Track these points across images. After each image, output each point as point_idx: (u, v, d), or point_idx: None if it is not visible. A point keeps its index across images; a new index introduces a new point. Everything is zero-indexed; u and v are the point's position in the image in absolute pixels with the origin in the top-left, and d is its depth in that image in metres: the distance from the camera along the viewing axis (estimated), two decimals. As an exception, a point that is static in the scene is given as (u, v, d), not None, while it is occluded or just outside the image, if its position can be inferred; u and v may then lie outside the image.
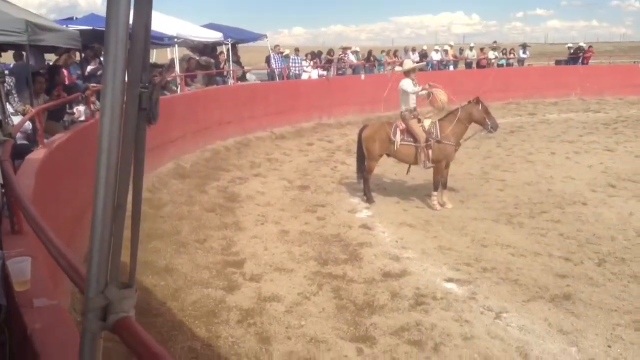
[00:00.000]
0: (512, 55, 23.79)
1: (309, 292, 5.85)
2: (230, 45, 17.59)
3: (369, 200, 9.17)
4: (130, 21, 1.13)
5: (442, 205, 8.85)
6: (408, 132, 8.87)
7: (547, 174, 10.82)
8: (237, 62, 18.45)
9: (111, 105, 1.13)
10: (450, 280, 6.13)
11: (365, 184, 9.31)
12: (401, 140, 8.88)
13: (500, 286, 5.96)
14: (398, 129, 8.91)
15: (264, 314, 5.35)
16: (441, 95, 8.78)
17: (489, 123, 8.86)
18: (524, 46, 24.54)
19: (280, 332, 5.03)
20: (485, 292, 5.81)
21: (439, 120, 8.96)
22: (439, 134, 8.77)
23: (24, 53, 7.79)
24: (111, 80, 1.13)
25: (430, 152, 8.76)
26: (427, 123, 8.86)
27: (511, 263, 6.58)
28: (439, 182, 8.92)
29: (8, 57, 10.17)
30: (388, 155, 9.24)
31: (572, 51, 24.31)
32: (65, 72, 8.90)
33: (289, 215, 8.48)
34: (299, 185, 10.31)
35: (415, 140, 8.80)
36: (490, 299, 5.66)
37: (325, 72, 18.67)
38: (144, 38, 1.14)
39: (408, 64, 9.35)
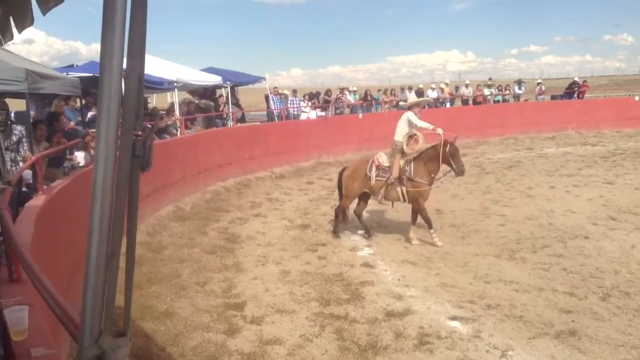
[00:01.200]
0: (507, 91, 24.09)
1: (311, 333, 5.77)
2: (229, 88, 17.85)
3: (335, 233, 9.34)
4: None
5: (411, 239, 8.94)
6: (382, 168, 8.99)
7: (547, 208, 10.80)
8: (237, 104, 18.69)
9: (105, 154, 1.14)
10: (454, 318, 6.05)
11: (336, 219, 9.51)
12: (376, 176, 9.02)
13: (505, 323, 5.88)
14: (374, 165, 9.08)
15: (265, 357, 5.26)
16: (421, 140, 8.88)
17: (454, 167, 8.72)
18: (519, 82, 24.89)
19: (282, 376, 4.94)
20: (490, 330, 5.73)
21: (414, 158, 8.92)
22: (412, 172, 8.82)
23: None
24: (105, 129, 1.14)
25: (403, 188, 8.82)
26: (401, 161, 8.89)
27: (515, 299, 6.50)
28: (429, 219, 8.91)
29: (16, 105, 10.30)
30: (367, 192, 9.34)
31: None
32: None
33: (290, 255, 8.43)
34: (300, 224, 10.30)
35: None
36: (496, 337, 5.58)
37: (323, 113, 18.89)
38: (137, 88, 1.17)
39: (412, 98, 9.51)
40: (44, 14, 1.90)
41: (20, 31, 2.48)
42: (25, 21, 2.32)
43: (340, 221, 9.53)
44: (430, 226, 8.87)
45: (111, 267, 1.17)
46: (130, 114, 1.17)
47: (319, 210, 11.40)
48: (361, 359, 5.21)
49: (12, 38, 2.87)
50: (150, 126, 1.20)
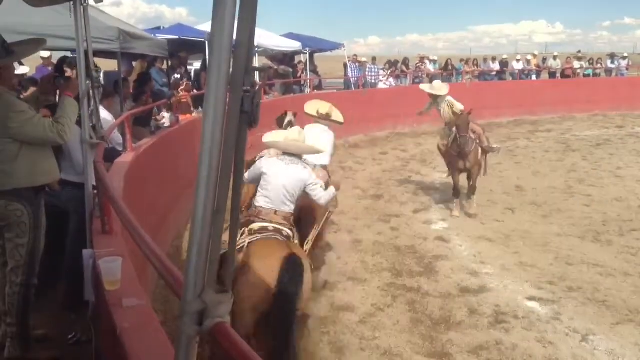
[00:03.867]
0: (599, 65, 22.71)
1: (382, 303, 5.75)
2: (308, 55, 17.82)
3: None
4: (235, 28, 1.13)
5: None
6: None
7: (637, 190, 10.19)
8: (314, 71, 18.65)
9: (214, 108, 1.12)
10: (532, 298, 5.85)
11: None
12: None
13: (586, 307, 5.63)
14: None
15: (337, 323, 5.30)
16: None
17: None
18: (612, 56, 23.38)
19: (354, 343, 4.96)
20: (571, 313, 5.50)
21: None
22: None
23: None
24: (215, 84, 1.12)
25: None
26: None
27: (599, 283, 6.20)
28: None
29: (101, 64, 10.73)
30: None
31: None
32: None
33: (362, 225, 8.40)
34: (373, 194, 10.22)
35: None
36: (576, 321, 5.35)
37: (399, 82, 18.52)
38: (247, 42, 1.14)
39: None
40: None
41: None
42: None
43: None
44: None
45: (216, 223, 1.17)
46: (240, 68, 1.14)
47: (393, 181, 11.26)
48: (434, 332, 5.14)
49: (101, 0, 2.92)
50: (258, 82, 1.17)
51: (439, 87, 9.44)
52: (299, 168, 4.63)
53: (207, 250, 1.16)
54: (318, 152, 5.20)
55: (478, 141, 8.84)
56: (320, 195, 4.66)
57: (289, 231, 4.43)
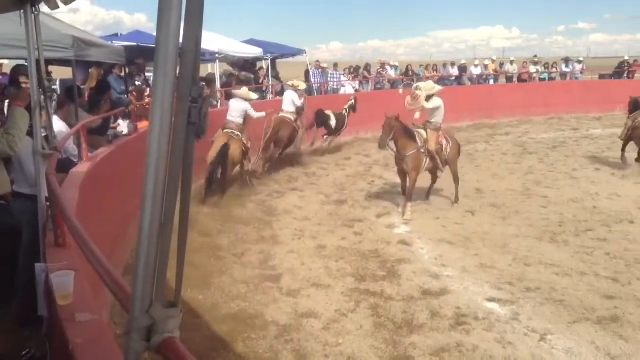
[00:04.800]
0: (554, 69, 23.35)
1: (346, 309, 5.76)
2: (270, 61, 17.78)
3: None
4: (181, 35, 1.11)
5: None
6: None
7: (592, 191, 10.48)
8: (276, 77, 18.63)
9: (160, 119, 1.11)
10: (492, 299, 5.95)
11: None
12: None
13: (544, 307, 5.75)
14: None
15: (301, 330, 5.28)
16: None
17: None
18: (566, 60, 24.08)
19: (317, 349, 4.95)
20: (529, 313, 5.62)
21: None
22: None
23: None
24: (160, 95, 1.11)
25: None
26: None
27: (556, 283, 6.35)
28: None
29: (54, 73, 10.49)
30: None
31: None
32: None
33: (326, 230, 8.42)
34: (336, 199, 10.25)
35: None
36: (534, 320, 5.46)
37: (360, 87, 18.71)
38: (194, 52, 1.12)
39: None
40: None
41: (67, 3, 2.45)
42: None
43: None
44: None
45: (164, 235, 1.15)
46: (187, 78, 1.13)
47: (356, 186, 11.32)
48: (396, 336, 5.17)
49: (57, 7, 2.86)
50: (206, 92, 1.16)
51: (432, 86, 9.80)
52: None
53: (154, 263, 1.14)
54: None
55: (424, 149, 9.12)
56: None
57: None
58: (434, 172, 9.68)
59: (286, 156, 13.49)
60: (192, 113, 1.13)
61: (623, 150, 12.52)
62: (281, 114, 12.13)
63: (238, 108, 10.26)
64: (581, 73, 23.83)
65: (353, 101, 14.80)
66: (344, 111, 14.63)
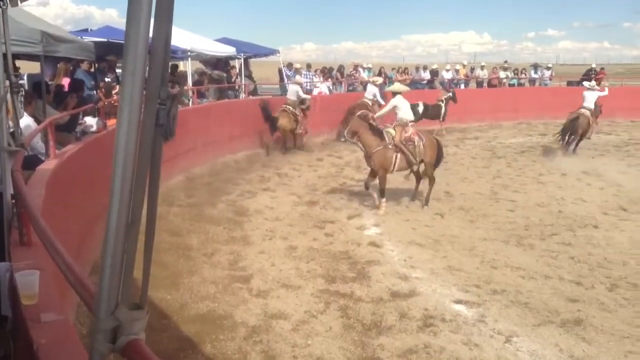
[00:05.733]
0: (523, 75, 23.78)
1: (315, 310, 5.78)
2: (242, 60, 17.70)
3: None
4: (150, 35, 1.11)
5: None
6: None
7: (558, 196, 10.71)
8: (249, 76, 18.56)
9: (128, 120, 1.10)
10: (459, 301, 6.04)
11: None
12: None
13: (510, 309, 5.87)
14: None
15: (270, 331, 5.28)
16: None
17: None
18: (535, 66, 24.54)
19: (286, 350, 4.96)
20: (495, 315, 5.72)
21: None
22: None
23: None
24: (129, 94, 1.10)
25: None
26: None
27: (521, 286, 6.48)
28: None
29: (23, 67, 10.27)
30: None
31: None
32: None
33: (297, 231, 8.42)
34: (308, 200, 10.27)
35: None
36: (500, 322, 5.57)
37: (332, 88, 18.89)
38: (163, 53, 1.12)
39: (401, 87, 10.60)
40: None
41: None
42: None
43: None
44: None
45: (131, 236, 1.15)
46: (156, 79, 1.12)
47: (328, 187, 11.35)
48: (365, 338, 5.21)
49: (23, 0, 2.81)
50: (173, 94, 1.16)
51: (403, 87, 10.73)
52: None
53: (121, 264, 1.14)
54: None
55: (391, 145, 9.44)
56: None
57: None
58: (416, 173, 9.94)
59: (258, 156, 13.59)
60: (161, 114, 1.13)
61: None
62: (363, 99, 15.86)
63: (292, 90, 14.51)
64: (550, 79, 24.32)
65: (451, 94, 18.40)
66: (441, 102, 17.98)
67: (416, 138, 9.62)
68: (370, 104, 15.49)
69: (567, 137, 15.19)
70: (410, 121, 9.85)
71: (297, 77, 15.94)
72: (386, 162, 9.45)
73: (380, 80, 16.72)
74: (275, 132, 14.30)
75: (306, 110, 14.92)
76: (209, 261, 6.99)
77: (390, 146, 9.42)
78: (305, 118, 14.87)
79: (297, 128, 14.40)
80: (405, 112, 9.79)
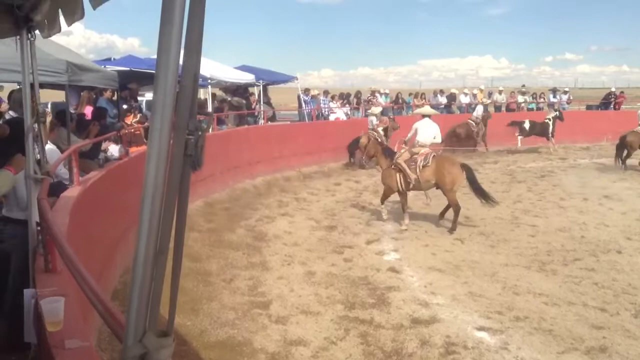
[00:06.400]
0: (542, 99, 23.70)
1: (335, 336, 5.74)
2: (261, 87, 17.93)
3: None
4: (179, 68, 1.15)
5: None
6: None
7: (580, 220, 10.57)
8: (268, 102, 18.77)
9: (158, 151, 1.13)
10: (481, 328, 5.95)
11: None
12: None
13: (533, 336, 5.76)
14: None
15: (289, 358, 5.25)
16: None
17: None
18: (554, 90, 24.46)
19: (306, 377, 4.92)
20: (518, 343, 5.62)
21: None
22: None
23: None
24: (158, 126, 1.14)
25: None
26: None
27: (544, 312, 6.37)
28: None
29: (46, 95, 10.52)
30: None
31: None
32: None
33: (315, 256, 8.41)
34: (326, 225, 10.27)
35: None
36: (523, 350, 5.47)
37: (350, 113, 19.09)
38: (192, 86, 1.16)
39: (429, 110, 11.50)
40: (94, 8, 1.91)
41: (69, 24, 2.50)
42: (75, 14, 2.34)
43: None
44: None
45: (158, 264, 1.17)
46: (184, 111, 1.16)
47: (346, 212, 11.36)
48: (386, 365, 5.15)
49: (59, 30, 2.91)
50: (203, 125, 1.19)
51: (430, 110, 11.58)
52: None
53: (148, 292, 1.16)
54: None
55: (394, 165, 10.18)
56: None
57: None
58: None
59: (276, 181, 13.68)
60: (189, 145, 1.16)
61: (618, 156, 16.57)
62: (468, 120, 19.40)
63: (371, 120, 16.83)
64: (568, 103, 24.20)
65: (557, 113, 20.03)
66: (549, 120, 19.76)
67: (419, 159, 9.93)
68: (474, 124, 19.24)
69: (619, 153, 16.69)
70: (432, 144, 10.31)
71: (373, 109, 17.48)
72: (389, 179, 10.27)
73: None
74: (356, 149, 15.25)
75: (391, 131, 16.70)
76: (228, 287, 7.00)
77: (393, 166, 10.17)
78: (388, 139, 15.89)
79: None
80: (422, 135, 10.20)
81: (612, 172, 16.20)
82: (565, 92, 24.72)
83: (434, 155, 10.11)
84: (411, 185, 10.04)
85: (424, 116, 10.62)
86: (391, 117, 17.94)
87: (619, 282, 7.32)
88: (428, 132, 10.23)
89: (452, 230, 9.78)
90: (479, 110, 18.47)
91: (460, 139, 18.98)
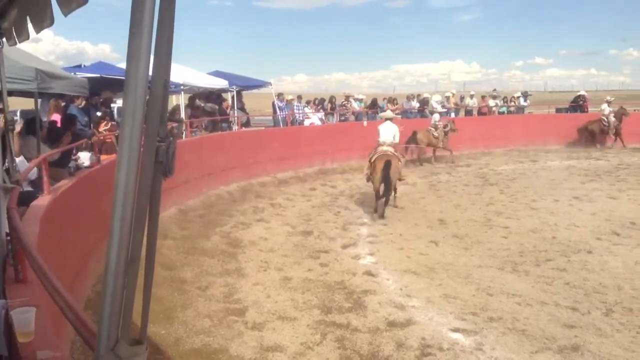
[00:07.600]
0: (512, 103, 24.09)
1: (312, 341, 5.74)
2: (235, 92, 17.87)
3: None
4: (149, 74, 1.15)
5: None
6: None
7: (551, 222, 10.75)
8: (242, 108, 18.71)
9: (128, 158, 1.13)
10: (456, 330, 6.01)
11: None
12: None
13: (507, 337, 5.84)
14: None
15: (266, 364, 5.23)
16: None
17: None
18: (524, 94, 24.87)
19: (283, 383, 4.91)
20: (492, 343, 5.69)
21: None
22: None
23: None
24: (128, 133, 1.13)
25: None
26: None
27: (518, 313, 6.46)
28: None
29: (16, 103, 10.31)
30: None
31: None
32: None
33: (291, 262, 8.40)
34: (302, 230, 10.26)
35: None
36: (498, 350, 5.54)
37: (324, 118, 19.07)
38: (162, 93, 1.16)
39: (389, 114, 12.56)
40: (65, 15, 1.88)
41: (38, 31, 2.46)
42: (44, 21, 2.31)
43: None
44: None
45: (130, 273, 1.16)
46: (155, 118, 1.16)
47: (322, 217, 11.37)
48: (362, 369, 5.17)
49: (27, 38, 2.86)
50: (173, 132, 1.19)
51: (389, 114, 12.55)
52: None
53: (120, 301, 1.15)
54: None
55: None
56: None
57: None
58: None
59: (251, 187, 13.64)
60: (160, 152, 1.16)
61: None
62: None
63: (434, 117, 18.93)
64: (526, 106, 24.60)
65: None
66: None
67: (374, 157, 11.37)
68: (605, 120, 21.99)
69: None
70: (391, 143, 11.52)
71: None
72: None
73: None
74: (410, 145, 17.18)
75: (449, 132, 18.51)
76: (203, 294, 6.95)
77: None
78: (446, 137, 18.41)
79: (438, 144, 18.20)
80: (383, 136, 11.61)
81: (581, 174, 16.54)
82: (525, 96, 25.12)
83: (380, 155, 11.24)
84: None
85: (386, 119, 11.92)
86: (452, 119, 19.47)
87: (590, 282, 7.46)
88: (388, 132, 11.60)
89: (386, 204, 11.37)
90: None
91: (594, 134, 21.91)
